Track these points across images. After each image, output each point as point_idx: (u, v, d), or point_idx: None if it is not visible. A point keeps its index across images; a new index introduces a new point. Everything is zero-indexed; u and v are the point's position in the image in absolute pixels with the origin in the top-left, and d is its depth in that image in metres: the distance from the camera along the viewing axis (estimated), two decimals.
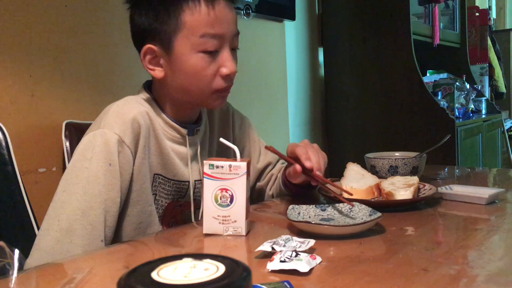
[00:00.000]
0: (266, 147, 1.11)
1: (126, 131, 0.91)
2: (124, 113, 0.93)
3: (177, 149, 1.02)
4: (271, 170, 1.26)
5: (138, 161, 0.94)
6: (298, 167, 0.99)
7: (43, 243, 0.87)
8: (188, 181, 1.05)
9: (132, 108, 0.95)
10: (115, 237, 0.96)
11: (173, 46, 0.95)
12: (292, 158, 1.04)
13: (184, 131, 1.03)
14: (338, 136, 2.80)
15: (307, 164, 0.98)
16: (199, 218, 1.08)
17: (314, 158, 1.00)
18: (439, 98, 2.67)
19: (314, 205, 0.96)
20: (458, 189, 1.09)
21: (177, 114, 1.03)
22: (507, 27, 5.01)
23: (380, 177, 1.20)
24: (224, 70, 0.97)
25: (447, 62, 3.29)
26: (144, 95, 1.03)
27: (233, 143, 1.17)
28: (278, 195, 1.22)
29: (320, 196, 1.15)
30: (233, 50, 1.01)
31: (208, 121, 1.15)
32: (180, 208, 1.07)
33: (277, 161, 1.27)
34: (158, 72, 0.99)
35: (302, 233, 0.85)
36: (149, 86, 1.06)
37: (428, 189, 1.09)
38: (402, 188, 1.05)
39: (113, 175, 0.90)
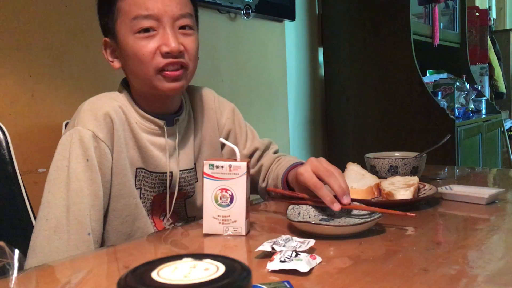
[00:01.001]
0: (268, 189, 1.08)
1: (99, 127, 0.94)
2: (96, 109, 0.95)
3: (156, 141, 1.03)
4: (260, 158, 1.22)
5: (116, 154, 0.96)
6: (337, 208, 0.92)
7: (36, 244, 0.89)
8: (171, 172, 1.05)
9: (104, 104, 0.97)
10: (103, 231, 0.97)
11: (116, 34, 1.00)
12: (306, 188, 0.98)
13: (161, 122, 1.03)
14: (338, 136, 2.80)
15: (336, 208, 0.92)
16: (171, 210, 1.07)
17: (336, 184, 0.93)
18: (439, 98, 2.67)
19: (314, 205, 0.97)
20: (458, 189, 1.09)
21: (153, 106, 1.04)
22: (507, 27, 5.01)
23: (380, 177, 1.20)
24: (164, 48, 0.97)
25: (447, 62, 3.29)
26: (120, 90, 1.06)
27: (219, 129, 1.17)
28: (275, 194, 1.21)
29: None
30: (183, 28, 1.00)
31: (192, 110, 1.14)
32: (167, 201, 1.07)
33: (265, 149, 1.24)
34: (116, 63, 1.04)
35: (302, 233, 0.85)
36: (127, 83, 1.08)
37: (428, 189, 1.09)
38: (402, 188, 1.05)
39: (92, 169, 0.92)
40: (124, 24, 0.98)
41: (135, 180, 1.01)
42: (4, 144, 1.08)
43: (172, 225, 1.09)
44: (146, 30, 0.97)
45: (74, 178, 0.91)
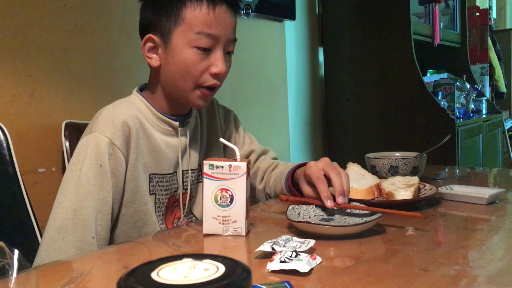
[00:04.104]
0: (281, 198, 1.08)
1: (116, 134, 0.96)
2: (114, 116, 0.97)
3: (170, 141, 1.06)
4: (257, 160, 1.27)
5: (131, 162, 0.99)
6: (330, 205, 0.95)
7: (42, 243, 0.92)
8: (182, 171, 1.09)
9: (122, 112, 0.99)
10: (112, 235, 0.99)
11: (171, 38, 1.00)
12: (310, 182, 1.03)
13: (175, 123, 1.07)
14: (338, 136, 2.80)
15: (329, 205, 0.94)
16: (191, 211, 1.12)
17: (338, 182, 0.96)
18: (439, 98, 2.67)
19: (314, 205, 0.96)
20: (459, 189, 1.09)
21: (170, 108, 1.07)
22: (508, 27, 5.01)
23: (380, 177, 1.20)
24: (214, 69, 1.01)
25: (448, 62, 3.29)
26: (136, 95, 1.07)
27: (221, 132, 1.22)
28: (275, 196, 1.22)
29: None
30: (228, 54, 1.05)
31: (198, 113, 1.19)
32: (178, 204, 1.10)
33: (262, 153, 1.28)
34: (155, 61, 1.04)
35: (302, 233, 0.85)
36: (142, 89, 1.11)
37: (428, 189, 1.09)
38: (402, 188, 1.05)
39: (104, 175, 0.94)
40: (184, 33, 0.99)
41: (149, 186, 1.03)
42: (4, 144, 1.08)
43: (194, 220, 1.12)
44: (205, 49, 0.99)
45: (85, 182, 0.93)
